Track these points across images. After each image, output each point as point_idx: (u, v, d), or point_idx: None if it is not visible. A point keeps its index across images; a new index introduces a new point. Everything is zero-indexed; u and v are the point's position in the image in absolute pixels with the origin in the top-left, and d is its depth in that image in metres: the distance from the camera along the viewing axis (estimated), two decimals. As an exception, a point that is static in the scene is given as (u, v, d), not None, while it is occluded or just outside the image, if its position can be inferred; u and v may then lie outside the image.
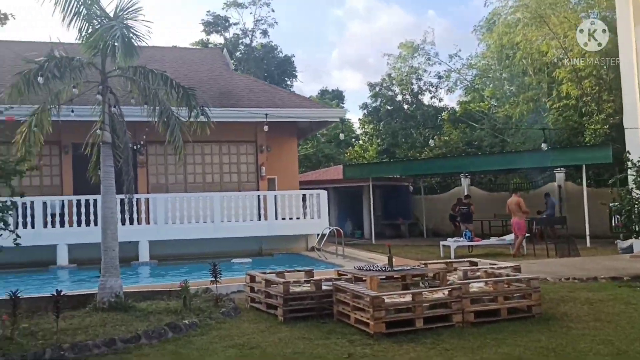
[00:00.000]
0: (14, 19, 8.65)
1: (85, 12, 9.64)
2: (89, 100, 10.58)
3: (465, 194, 22.36)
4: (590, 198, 18.01)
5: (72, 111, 11.78)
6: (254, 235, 17.68)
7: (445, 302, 7.67)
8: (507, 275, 8.78)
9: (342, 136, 24.43)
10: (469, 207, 20.47)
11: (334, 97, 45.86)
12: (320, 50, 76.81)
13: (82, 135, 10.64)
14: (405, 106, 39.42)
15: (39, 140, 9.74)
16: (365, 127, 41.78)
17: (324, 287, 8.53)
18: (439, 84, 39.26)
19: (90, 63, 9.82)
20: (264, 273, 9.45)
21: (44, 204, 16.24)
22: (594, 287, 10.35)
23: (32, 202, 15.94)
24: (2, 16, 8.49)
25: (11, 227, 7.90)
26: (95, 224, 15.39)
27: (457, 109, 37.79)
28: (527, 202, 17.38)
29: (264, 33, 44.84)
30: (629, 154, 12.85)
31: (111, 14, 9.76)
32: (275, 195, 18.26)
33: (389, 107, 38.99)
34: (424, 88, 39.54)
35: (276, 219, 17.90)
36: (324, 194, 18.64)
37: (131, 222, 16.45)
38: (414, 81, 39.04)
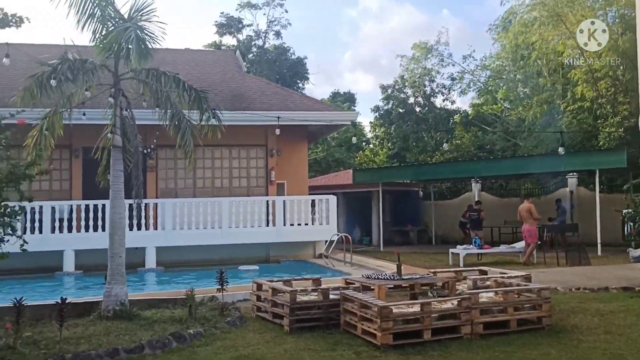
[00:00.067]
0: (29, 22, 8.62)
1: (100, 13, 9.63)
2: (101, 104, 10.52)
3: (476, 199, 22.18)
4: (602, 204, 17.74)
5: (84, 114, 11.65)
6: (262, 242, 17.59)
7: (454, 313, 7.57)
8: (518, 285, 8.67)
9: (354, 139, 24.26)
10: (479, 214, 20.27)
11: (346, 100, 45.73)
12: (332, 51, 76.77)
13: (92, 139, 10.63)
14: (417, 109, 39.23)
15: (50, 143, 9.69)
16: (377, 130, 41.62)
17: (331, 296, 8.43)
18: (452, 86, 39.03)
19: (103, 65, 9.80)
20: (271, 281, 9.37)
21: (53, 208, 16.19)
22: (605, 297, 10.21)
23: (41, 207, 15.89)
24: (17, 19, 8.45)
25: (19, 233, 7.86)
26: (103, 230, 15.30)
27: (469, 112, 37.57)
28: (538, 208, 17.21)
29: (277, 34, 44.87)
30: (644, 158, 12.66)
31: (125, 16, 9.73)
32: (284, 201, 18.16)
33: (400, 110, 38.80)
34: (436, 90, 39.34)
35: (284, 225, 17.78)
36: (333, 199, 18.51)
37: (139, 228, 16.37)
38: (426, 83, 38.83)
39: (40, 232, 15.82)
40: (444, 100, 39.69)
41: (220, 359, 6.78)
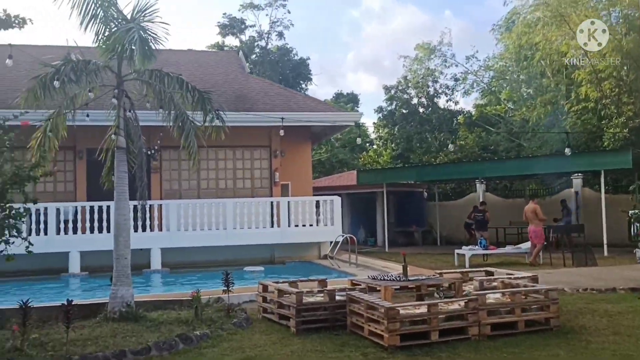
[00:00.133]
0: (32, 23, 8.60)
1: (102, 14, 9.60)
2: (104, 105, 10.52)
3: (481, 200, 22.12)
4: (608, 205, 17.68)
5: (88, 116, 11.64)
6: (266, 243, 17.57)
7: (462, 314, 7.53)
8: (525, 286, 8.62)
9: (359, 140, 24.24)
10: (484, 215, 20.23)
11: (349, 101, 45.67)
12: (335, 52, 76.77)
13: (96, 141, 10.62)
14: (421, 110, 39.17)
15: (54, 145, 9.68)
16: (380, 131, 41.56)
17: (337, 298, 8.40)
18: (455, 87, 38.98)
19: (106, 66, 9.78)
20: (277, 282, 9.34)
21: (57, 210, 16.20)
22: (612, 298, 10.15)
23: (46, 209, 15.92)
24: (20, 20, 8.43)
25: (24, 235, 7.83)
26: (108, 231, 15.26)
27: (473, 112, 37.49)
28: (543, 209, 17.14)
29: (280, 35, 44.83)
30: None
31: (128, 16, 9.70)
32: (288, 202, 18.16)
33: (404, 111, 38.74)
34: (440, 91, 39.27)
35: (289, 226, 17.79)
36: (337, 200, 18.50)
37: (143, 229, 16.36)
38: (430, 83, 38.78)
39: (46, 233, 15.85)
40: (447, 101, 39.65)
41: (227, 361, 6.77)
